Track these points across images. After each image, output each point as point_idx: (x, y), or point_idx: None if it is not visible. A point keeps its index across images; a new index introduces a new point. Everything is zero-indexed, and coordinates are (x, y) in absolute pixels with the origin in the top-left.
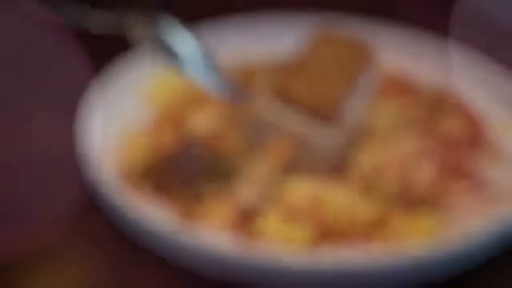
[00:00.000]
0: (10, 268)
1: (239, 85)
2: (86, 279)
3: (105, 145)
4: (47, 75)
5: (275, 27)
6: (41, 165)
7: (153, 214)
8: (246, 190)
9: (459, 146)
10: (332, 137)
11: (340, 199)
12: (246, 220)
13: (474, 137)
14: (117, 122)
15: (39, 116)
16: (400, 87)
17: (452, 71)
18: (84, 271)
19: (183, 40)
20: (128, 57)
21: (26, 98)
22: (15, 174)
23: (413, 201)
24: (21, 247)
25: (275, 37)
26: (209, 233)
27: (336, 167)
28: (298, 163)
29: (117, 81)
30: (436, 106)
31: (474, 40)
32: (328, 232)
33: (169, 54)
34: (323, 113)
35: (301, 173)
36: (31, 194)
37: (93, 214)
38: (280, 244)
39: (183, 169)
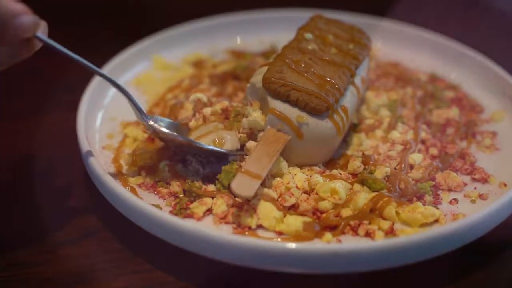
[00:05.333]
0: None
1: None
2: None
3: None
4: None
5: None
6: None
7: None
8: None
9: (454, 134)
10: (328, 129)
11: (336, 186)
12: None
13: (469, 125)
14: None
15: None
16: (396, 77)
17: (447, 61)
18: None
19: None
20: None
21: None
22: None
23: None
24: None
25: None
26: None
27: (336, 160)
28: (294, 154)
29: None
30: (432, 95)
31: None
32: (324, 219)
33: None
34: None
35: (298, 163)
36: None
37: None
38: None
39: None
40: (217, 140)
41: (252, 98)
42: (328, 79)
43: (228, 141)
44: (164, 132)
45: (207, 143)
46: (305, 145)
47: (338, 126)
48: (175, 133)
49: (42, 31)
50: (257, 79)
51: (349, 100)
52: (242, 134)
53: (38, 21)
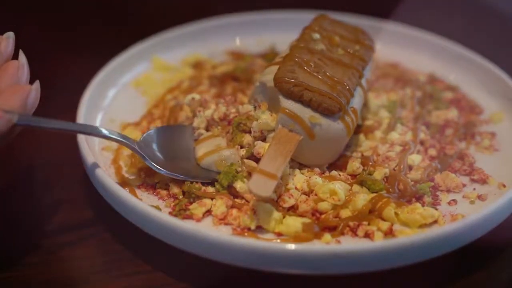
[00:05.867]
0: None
1: None
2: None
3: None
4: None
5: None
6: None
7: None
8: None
9: (453, 134)
10: (340, 130)
11: (336, 187)
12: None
13: (468, 126)
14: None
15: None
16: (395, 78)
17: (446, 62)
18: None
19: None
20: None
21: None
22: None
23: (405, 189)
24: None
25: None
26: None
27: (335, 161)
28: (304, 154)
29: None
30: (431, 96)
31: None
32: (324, 220)
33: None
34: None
35: (306, 163)
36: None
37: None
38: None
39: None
40: (221, 161)
41: (260, 97)
42: (339, 80)
43: (229, 161)
44: (161, 170)
45: (210, 164)
46: (315, 146)
47: (349, 127)
48: (170, 172)
49: (35, 89)
50: (267, 78)
51: (357, 101)
52: (245, 149)
53: (12, 117)
